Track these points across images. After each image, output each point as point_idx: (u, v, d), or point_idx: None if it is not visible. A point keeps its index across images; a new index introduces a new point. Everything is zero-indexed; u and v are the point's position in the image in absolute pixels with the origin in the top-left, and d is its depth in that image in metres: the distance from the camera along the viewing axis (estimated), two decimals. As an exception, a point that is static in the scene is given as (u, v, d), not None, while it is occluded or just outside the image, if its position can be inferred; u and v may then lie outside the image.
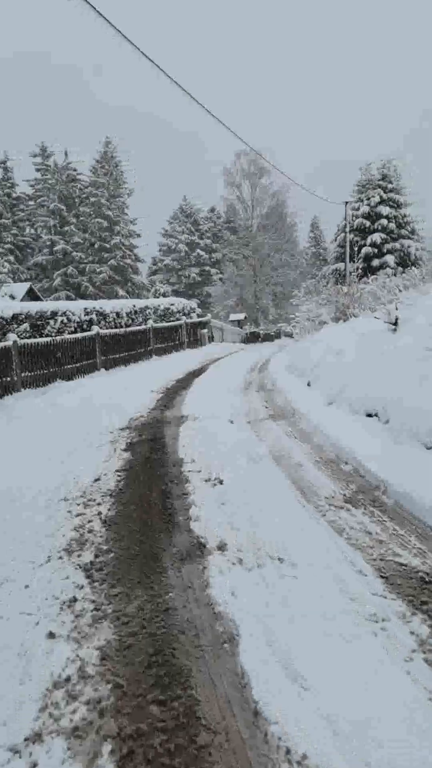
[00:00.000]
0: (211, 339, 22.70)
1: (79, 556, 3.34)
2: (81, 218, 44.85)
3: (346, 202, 22.82)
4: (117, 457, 5.57)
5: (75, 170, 46.31)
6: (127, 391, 10.24)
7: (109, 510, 4.10)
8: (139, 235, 48.93)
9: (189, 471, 4.92)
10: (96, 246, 44.49)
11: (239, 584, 2.82)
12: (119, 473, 5.03)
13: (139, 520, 3.91)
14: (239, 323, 35.43)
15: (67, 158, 45.86)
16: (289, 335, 52.14)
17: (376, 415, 5.90)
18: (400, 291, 15.65)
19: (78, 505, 4.24)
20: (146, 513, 4.05)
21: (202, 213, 59.64)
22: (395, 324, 8.95)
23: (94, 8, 6.92)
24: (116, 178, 47.82)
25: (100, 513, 4.05)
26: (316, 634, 2.35)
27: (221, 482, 4.56)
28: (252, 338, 35.21)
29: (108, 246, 44.58)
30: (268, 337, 40.67)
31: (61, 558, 3.33)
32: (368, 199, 27.59)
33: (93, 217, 44.47)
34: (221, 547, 3.28)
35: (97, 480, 4.83)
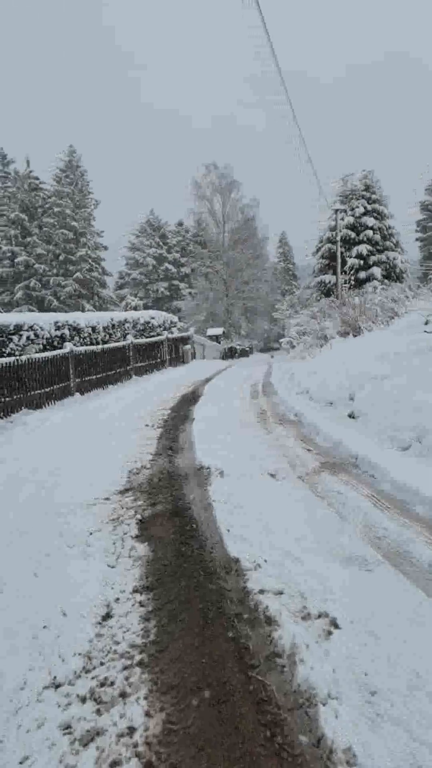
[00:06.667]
0: (194, 356, 20.68)
1: None
2: (44, 229, 42.28)
3: (336, 210, 21.37)
4: (129, 556, 3.47)
5: (37, 179, 43.82)
6: (114, 423, 8.11)
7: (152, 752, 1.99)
8: (106, 248, 46.68)
9: (260, 592, 2.88)
10: (61, 258, 41.94)
11: None
12: (141, 597, 2.94)
13: None
14: (217, 338, 33.58)
15: (29, 166, 43.39)
16: (265, 351, 50.79)
17: None
18: (409, 301, 14.17)
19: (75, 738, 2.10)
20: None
21: (170, 227, 57.97)
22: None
23: None
24: (81, 188, 45.63)
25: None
26: None
27: (335, 624, 2.56)
28: (230, 354, 33.44)
29: (74, 258, 42.10)
30: (243, 353, 39.08)
31: None
32: (352, 209, 26.36)
33: (57, 228, 41.97)
34: None
35: (104, 620, 2.72)
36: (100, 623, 2.67)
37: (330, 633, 2.51)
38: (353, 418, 6.90)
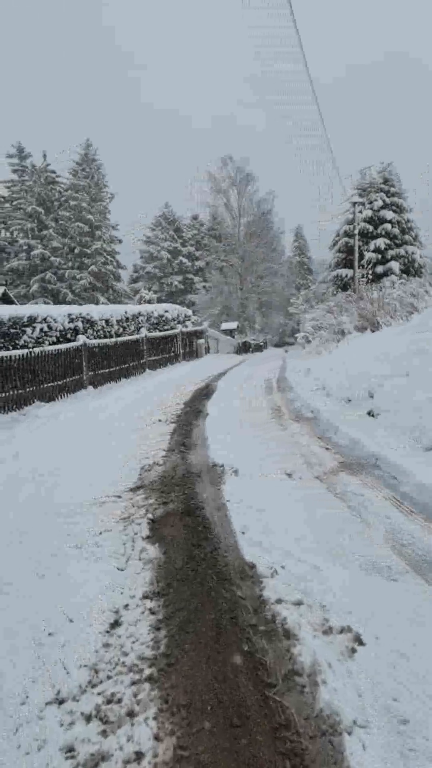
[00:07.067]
0: (207, 350, 20.50)
1: None
2: (60, 222, 42.33)
3: (354, 203, 20.96)
4: (139, 559, 3.31)
5: (54, 172, 43.83)
6: (127, 418, 7.98)
7: None
8: (120, 241, 46.64)
9: (278, 602, 2.71)
10: (76, 251, 41.96)
11: None
12: (151, 604, 2.79)
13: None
14: (231, 332, 33.35)
15: (46, 160, 43.38)
16: (280, 345, 50.42)
17: None
18: (428, 296, 13.81)
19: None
20: None
21: (185, 220, 57.73)
22: None
23: None
24: (97, 182, 45.53)
25: None
26: None
27: (359, 640, 2.37)
28: (244, 348, 33.20)
29: (89, 252, 42.08)
30: (257, 348, 38.82)
31: None
32: (371, 202, 25.89)
33: (73, 221, 41.97)
34: None
35: (112, 629, 2.56)
36: (107, 632, 2.52)
37: (354, 650, 2.32)
38: (372, 416, 6.68)
